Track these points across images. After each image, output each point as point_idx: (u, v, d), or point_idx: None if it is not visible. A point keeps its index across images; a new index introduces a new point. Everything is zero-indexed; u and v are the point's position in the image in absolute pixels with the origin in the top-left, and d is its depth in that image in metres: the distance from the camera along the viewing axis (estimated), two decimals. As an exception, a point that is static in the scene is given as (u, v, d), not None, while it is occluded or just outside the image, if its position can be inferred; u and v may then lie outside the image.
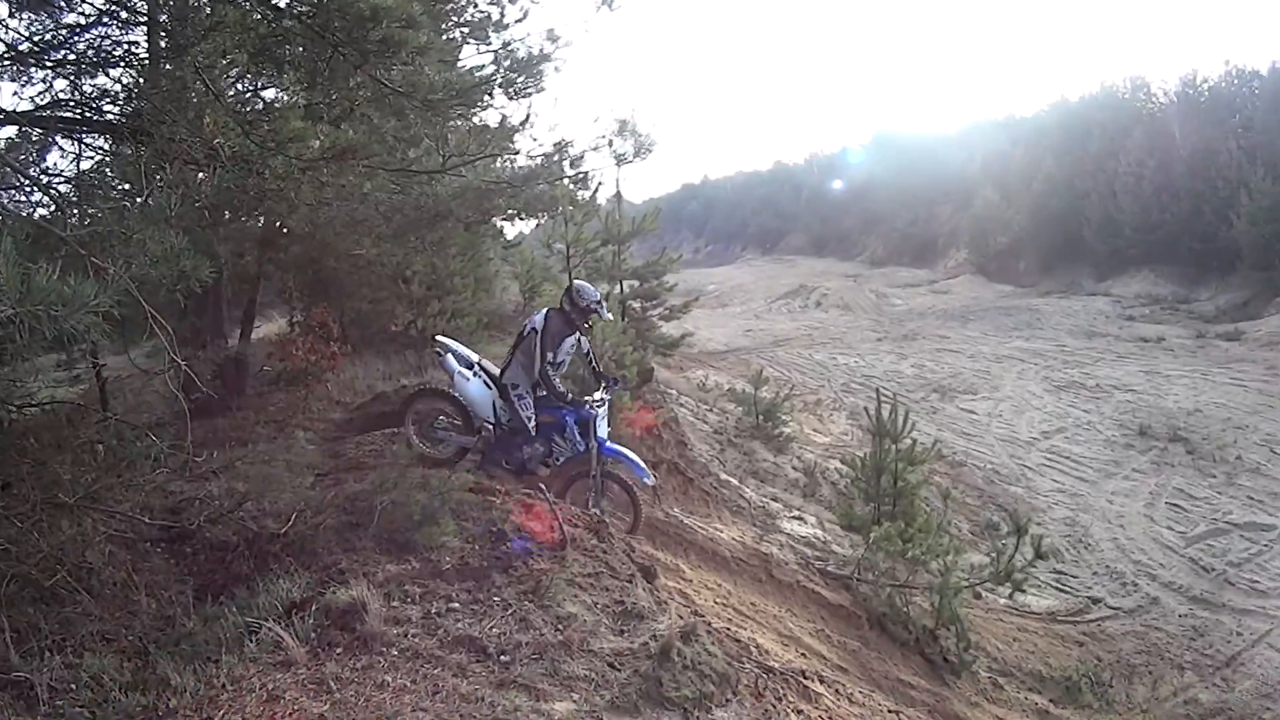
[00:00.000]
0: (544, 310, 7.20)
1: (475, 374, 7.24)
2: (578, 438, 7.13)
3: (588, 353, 7.43)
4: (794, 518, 12.21)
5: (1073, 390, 20.81)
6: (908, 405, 13.58)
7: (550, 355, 6.94)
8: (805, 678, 6.57)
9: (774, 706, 5.41)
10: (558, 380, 7.07)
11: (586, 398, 7.24)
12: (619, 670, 4.84)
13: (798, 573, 9.60)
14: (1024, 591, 11.08)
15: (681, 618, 5.79)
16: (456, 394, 7.23)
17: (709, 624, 6.31)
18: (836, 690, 6.89)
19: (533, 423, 7.06)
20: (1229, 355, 22.86)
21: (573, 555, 6.10)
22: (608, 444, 7.21)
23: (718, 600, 8.00)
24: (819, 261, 47.04)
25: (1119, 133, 34.44)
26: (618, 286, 11.53)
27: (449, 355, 7.36)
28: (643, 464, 7.60)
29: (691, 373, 20.38)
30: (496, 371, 7.26)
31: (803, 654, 7.68)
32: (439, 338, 7.82)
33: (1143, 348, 24.27)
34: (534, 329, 6.99)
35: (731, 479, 12.75)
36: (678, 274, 16.00)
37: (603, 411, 7.20)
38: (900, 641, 9.34)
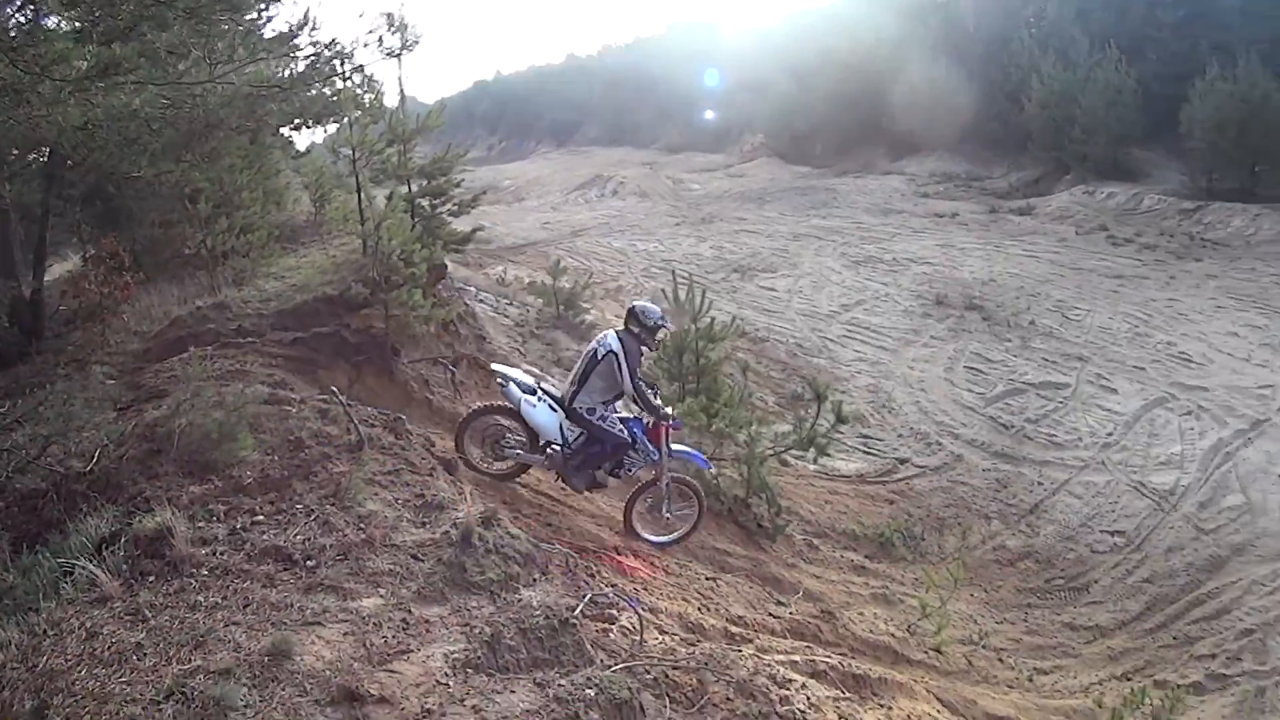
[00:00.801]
0: (610, 333, 8.11)
1: (540, 399, 8.04)
2: (650, 448, 8.11)
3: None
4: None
5: (870, 265, 23.26)
6: (707, 286, 14.99)
7: (638, 374, 8.03)
8: (618, 554, 7.56)
9: (587, 582, 6.21)
10: (651, 394, 8.17)
11: (667, 409, 8.31)
12: (423, 561, 5.46)
13: None
14: (830, 456, 12.63)
15: (481, 505, 6.45)
16: (517, 411, 8.08)
17: (517, 510, 7.17)
18: (652, 563, 7.82)
19: (624, 435, 8.02)
20: (1021, 228, 26.69)
21: (372, 454, 6.80)
22: (675, 447, 8.33)
23: (526, 487, 8.65)
24: (615, 151, 49.76)
25: (916, 21, 38.27)
26: (405, 186, 11.72)
27: (511, 384, 8.11)
28: (703, 455, 8.88)
29: (491, 268, 21.49)
30: (558, 394, 8.19)
31: (616, 532, 8.50)
32: (497, 367, 8.77)
33: (938, 223, 27.70)
34: (611, 352, 7.89)
35: (534, 369, 13.11)
36: (473, 171, 16.93)
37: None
38: (714, 512, 10.38)
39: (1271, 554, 12.19)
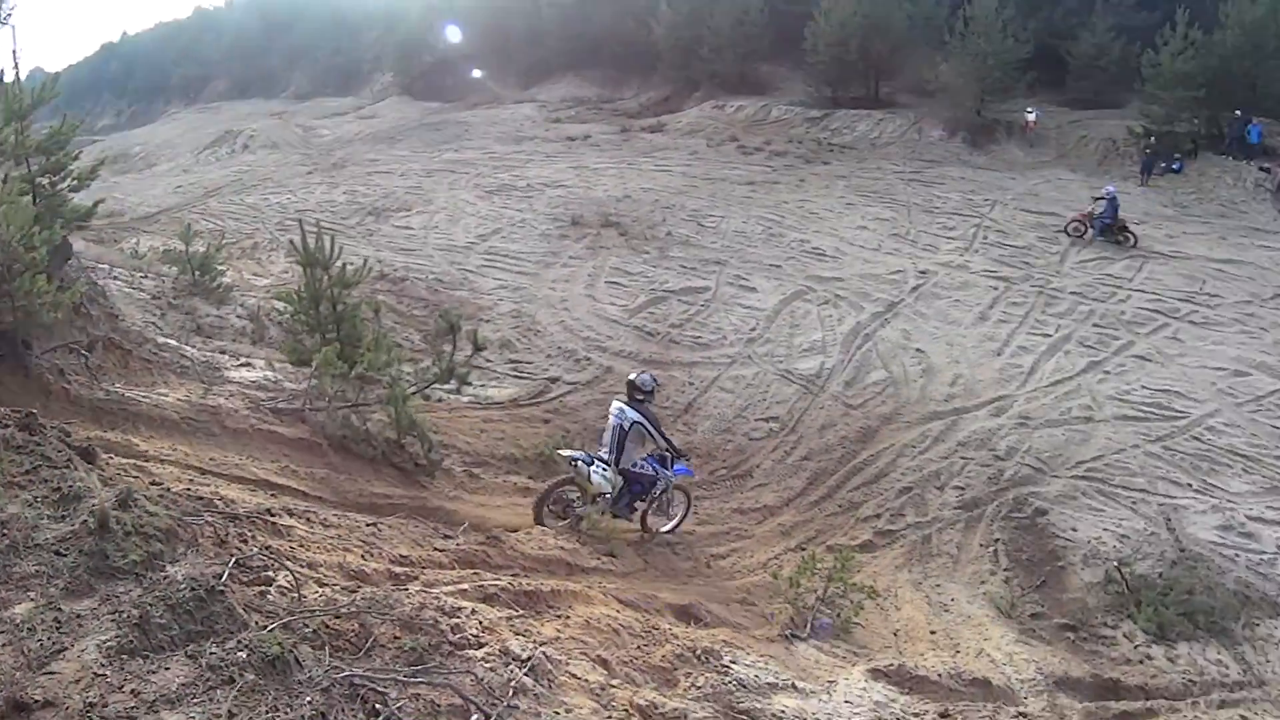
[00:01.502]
0: (625, 408, 10.47)
1: (596, 467, 10.38)
2: (664, 472, 10.67)
3: None
4: (241, 365, 12.60)
5: (505, 193, 23.78)
6: (342, 231, 15.09)
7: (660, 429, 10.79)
8: (272, 515, 7.41)
9: (240, 548, 6.16)
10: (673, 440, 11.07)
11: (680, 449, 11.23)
12: (66, 556, 5.30)
13: (249, 417, 10.05)
14: (473, 385, 12.64)
15: (115, 489, 6.12)
16: (587, 482, 10.30)
17: (165, 488, 6.91)
18: (309, 519, 7.75)
19: (651, 472, 10.64)
20: (653, 145, 28.12)
21: (7, 456, 6.43)
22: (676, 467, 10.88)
23: (177, 464, 8.45)
24: (244, 104, 49.71)
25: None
26: (24, 166, 10.69)
27: (579, 462, 10.40)
28: (689, 468, 11.31)
29: (125, 242, 20.55)
30: (607, 458, 10.53)
31: (272, 494, 8.44)
32: (563, 452, 11.00)
33: (570, 146, 28.66)
34: (638, 423, 10.41)
35: (171, 341, 12.90)
36: (102, 140, 15.60)
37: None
38: (369, 459, 10.22)
39: (917, 419, 13.68)
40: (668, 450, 10.73)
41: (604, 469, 10.48)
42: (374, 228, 21.81)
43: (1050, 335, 16.55)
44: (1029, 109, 29.62)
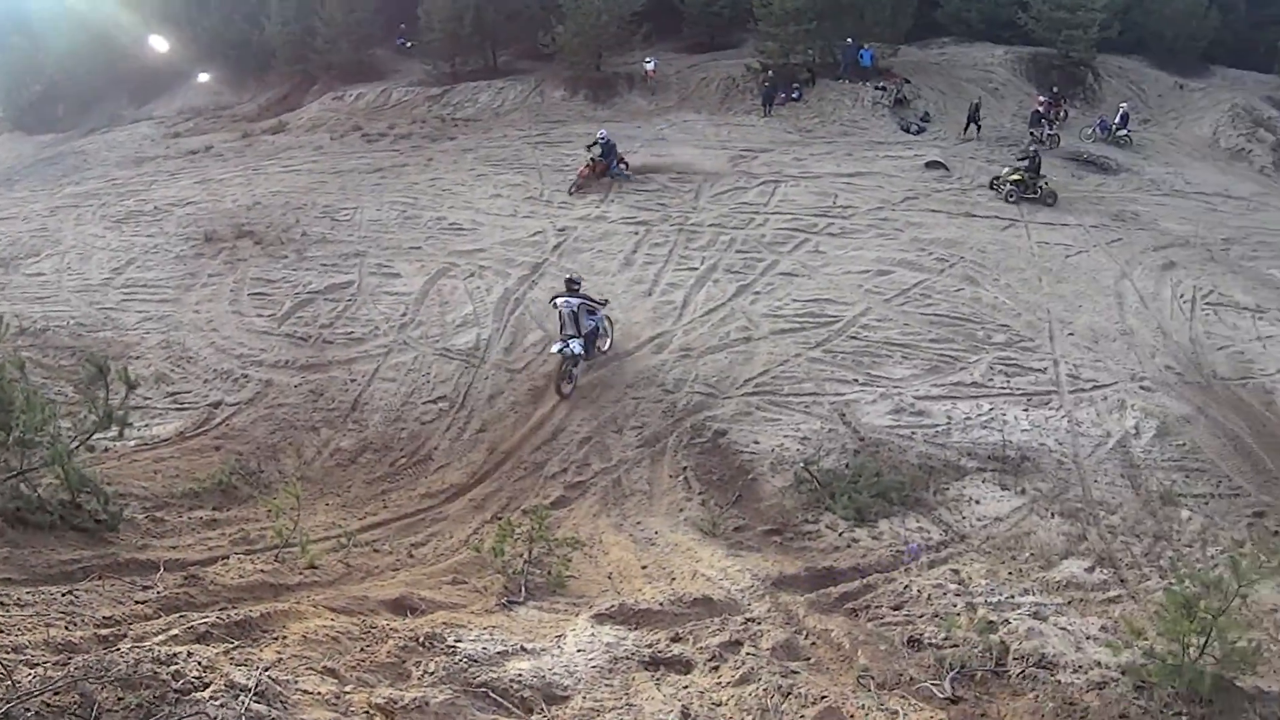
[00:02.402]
0: (569, 298, 14.57)
1: (571, 344, 14.12)
2: (599, 316, 14.95)
3: None
4: None
5: (133, 220, 22.36)
6: None
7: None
8: None
9: None
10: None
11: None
12: None
13: None
14: (136, 426, 11.78)
15: None
16: (573, 354, 14.20)
17: None
18: (2, 604, 7.25)
19: (597, 326, 15.01)
20: (276, 146, 27.36)
21: None
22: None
23: None
24: None
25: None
26: None
27: (565, 348, 14.09)
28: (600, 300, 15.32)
29: None
30: (573, 334, 14.38)
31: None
32: (553, 347, 14.31)
33: (193, 160, 27.31)
34: (582, 304, 14.59)
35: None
36: None
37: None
38: (48, 526, 9.56)
39: (582, 370, 14.34)
40: (598, 304, 14.95)
41: (577, 341, 14.16)
42: (4, 280, 19.91)
43: (697, 268, 17.88)
44: (647, 59, 31.22)
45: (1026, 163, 22.10)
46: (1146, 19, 33.68)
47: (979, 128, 26.85)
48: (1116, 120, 28.01)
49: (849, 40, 29.93)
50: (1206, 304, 17.24)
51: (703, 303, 16.73)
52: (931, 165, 23.84)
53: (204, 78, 36.35)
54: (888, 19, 30.73)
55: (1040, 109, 26.94)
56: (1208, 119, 30.64)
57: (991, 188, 22.31)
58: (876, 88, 29.01)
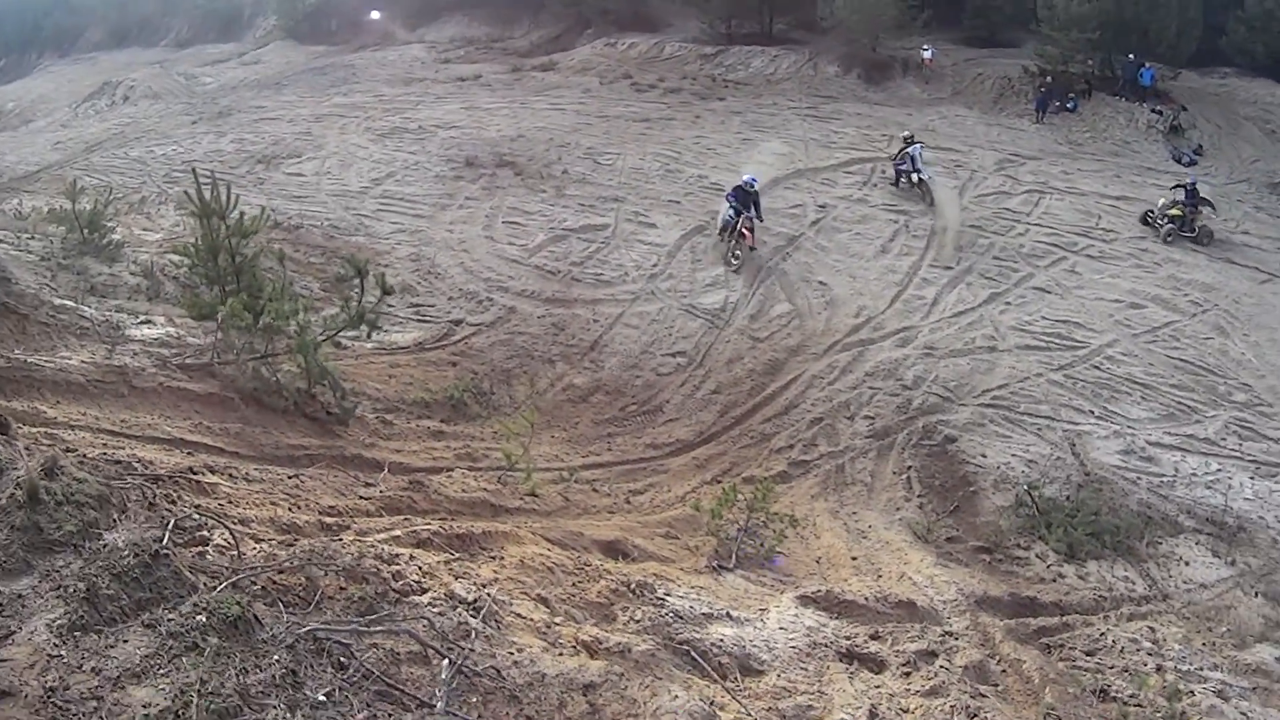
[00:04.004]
0: (745, 182, 17.16)
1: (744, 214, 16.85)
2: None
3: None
4: (143, 323, 12.02)
5: (396, 136, 23.16)
6: (233, 181, 14.18)
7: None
8: (195, 474, 7.24)
9: (171, 510, 5.97)
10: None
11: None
12: None
13: (157, 375, 9.74)
14: (383, 330, 12.39)
15: (40, 458, 5.88)
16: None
17: (81, 454, 6.58)
18: (231, 475, 7.60)
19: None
20: (545, 84, 27.65)
21: None
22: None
23: (89, 429, 8.18)
24: (122, 54, 46.50)
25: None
26: None
27: (729, 214, 17.02)
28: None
29: (5, 204, 19.35)
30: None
31: (189, 453, 8.12)
32: (720, 219, 17.33)
33: (461, 87, 27.99)
34: (753, 192, 17.06)
35: (69, 302, 12.25)
36: None
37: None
38: (281, 410, 10.01)
39: (822, 350, 14.04)
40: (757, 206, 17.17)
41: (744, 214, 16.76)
42: (265, 176, 21.07)
43: (952, 268, 16.96)
44: (924, 46, 29.77)
45: (1183, 193, 19.55)
46: None
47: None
48: None
49: (1130, 56, 27.84)
50: None
51: (953, 304, 15.93)
52: (1199, 202, 21.45)
53: (375, 14, 37.48)
54: (1171, 39, 28.44)
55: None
56: None
57: (1144, 222, 19.69)
58: (1153, 110, 26.70)
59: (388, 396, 11.86)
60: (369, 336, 12.20)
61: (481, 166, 20.66)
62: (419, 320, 14.55)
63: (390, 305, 14.13)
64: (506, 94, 26.61)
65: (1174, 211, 19.15)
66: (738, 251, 16.65)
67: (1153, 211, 19.56)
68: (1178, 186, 19.87)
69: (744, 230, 16.62)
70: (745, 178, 17.04)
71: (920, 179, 20.06)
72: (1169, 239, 18.93)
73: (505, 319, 14.69)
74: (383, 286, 11.19)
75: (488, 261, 16.45)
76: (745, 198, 16.89)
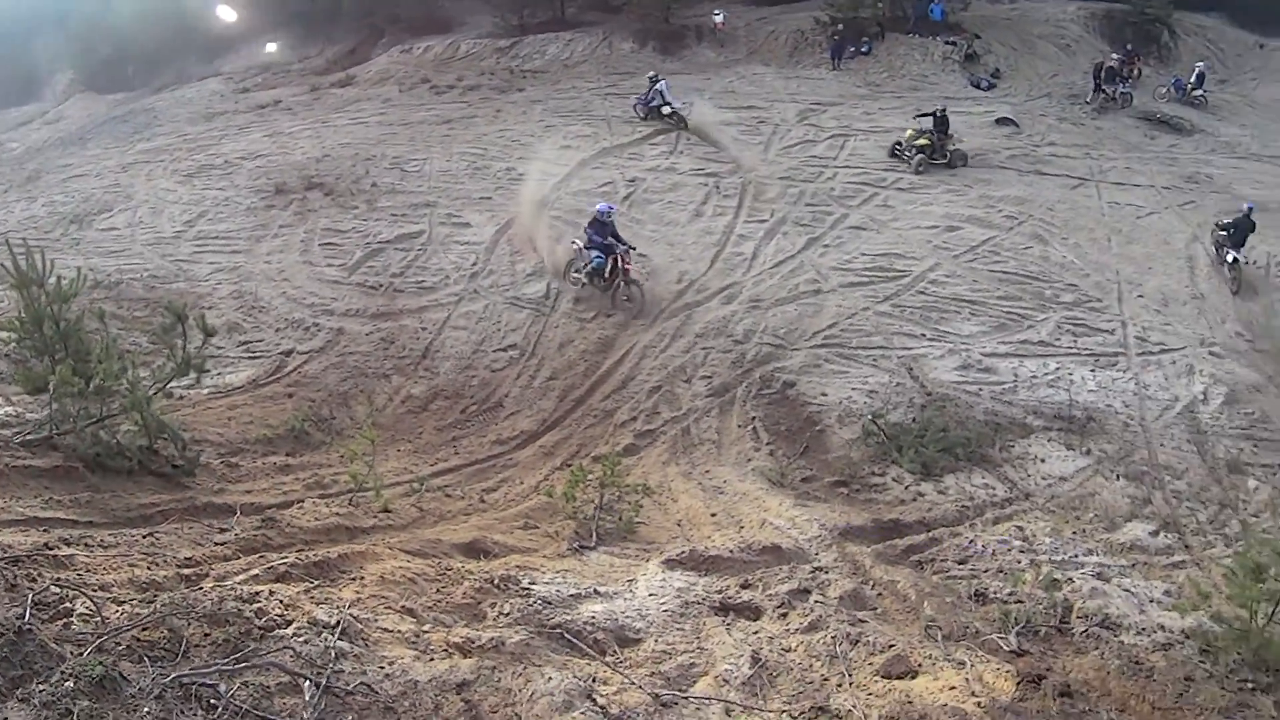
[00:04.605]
0: (602, 206, 15.90)
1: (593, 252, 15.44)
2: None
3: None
4: None
5: (204, 174, 22.75)
6: (50, 245, 14.69)
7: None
8: (51, 549, 7.20)
9: (32, 587, 5.97)
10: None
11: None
12: None
13: (1, 457, 9.44)
14: (213, 373, 12.29)
15: None
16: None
17: None
18: (86, 544, 7.59)
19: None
20: (345, 99, 27.62)
21: None
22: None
23: None
24: None
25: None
26: None
27: (583, 250, 15.55)
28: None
29: None
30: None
31: (44, 529, 8.15)
32: (576, 243, 15.77)
33: (262, 114, 27.63)
34: (608, 221, 15.58)
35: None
36: None
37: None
38: (127, 471, 9.89)
39: (650, 320, 14.71)
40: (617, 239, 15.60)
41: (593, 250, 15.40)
42: (79, 235, 20.43)
43: (766, 220, 17.92)
44: (716, 11, 30.87)
45: (931, 121, 20.72)
46: (1227, -26, 32.34)
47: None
48: (1192, 80, 27.08)
49: (916, -8, 29.32)
50: (1280, 270, 16.72)
51: (772, 255, 16.82)
52: (1001, 122, 23.44)
53: (271, 48, 36.47)
54: (959, -29, 30.02)
55: (1113, 66, 26.12)
56: (1288, 79, 29.45)
57: (893, 155, 20.87)
58: (946, 42, 28.59)
59: (230, 439, 11.88)
60: (198, 381, 12.19)
61: (291, 192, 20.61)
62: (250, 357, 14.52)
63: (219, 346, 14.16)
64: (308, 115, 26.49)
65: (922, 141, 20.37)
66: (628, 294, 15.44)
67: (900, 143, 20.74)
68: (923, 115, 21.03)
69: (625, 267, 15.30)
70: (599, 207, 15.82)
71: (673, 110, 21.80)
72: (920, 169, 20.16)
73: (334, 342, 14.82)
74: (204, 329, 11.24)
75: (309, 287, 16.55)
76: (604, 229, 15.49)
